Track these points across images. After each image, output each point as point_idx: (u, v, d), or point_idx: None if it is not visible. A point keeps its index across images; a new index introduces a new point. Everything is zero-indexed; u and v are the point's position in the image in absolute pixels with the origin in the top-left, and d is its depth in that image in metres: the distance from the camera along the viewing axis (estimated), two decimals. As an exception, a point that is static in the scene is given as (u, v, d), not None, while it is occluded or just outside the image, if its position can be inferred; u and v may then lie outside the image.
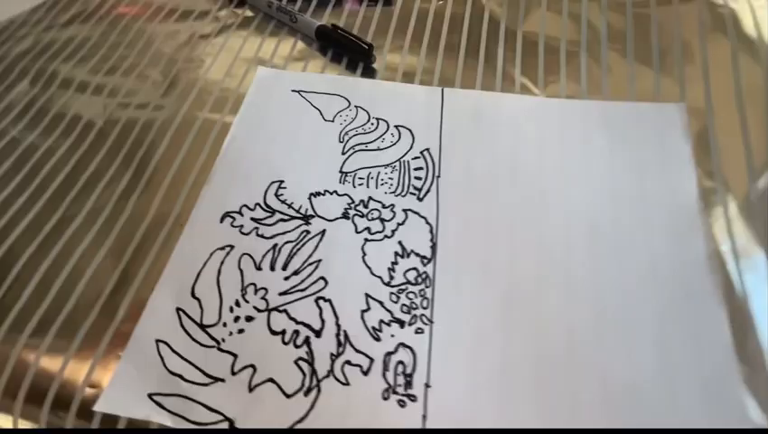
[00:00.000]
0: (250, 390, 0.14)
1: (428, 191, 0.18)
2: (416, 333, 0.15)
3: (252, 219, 0.18)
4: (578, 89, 0.20)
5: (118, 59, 0.24)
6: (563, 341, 0.14)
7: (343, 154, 0.19)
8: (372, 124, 0.20)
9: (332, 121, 0.20)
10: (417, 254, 0.16)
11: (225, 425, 0.13)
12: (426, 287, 0.15)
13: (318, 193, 0.18)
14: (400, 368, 0.14)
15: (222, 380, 0.14)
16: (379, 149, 0.19)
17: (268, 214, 0.18)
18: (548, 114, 0.19)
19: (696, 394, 0.13)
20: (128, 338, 0.15)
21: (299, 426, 0.13)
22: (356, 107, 0.20)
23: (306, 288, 0.16)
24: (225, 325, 0.15)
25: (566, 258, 0.15)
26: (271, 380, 0.14)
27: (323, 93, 0.21)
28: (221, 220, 0.18)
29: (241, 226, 0.17)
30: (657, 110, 0.19)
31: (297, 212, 0.18)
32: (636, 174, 0.17)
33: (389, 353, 0.14)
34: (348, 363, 0.14)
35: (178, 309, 0.16)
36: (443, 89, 0.21)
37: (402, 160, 0.19)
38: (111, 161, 0.20)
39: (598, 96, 0.20)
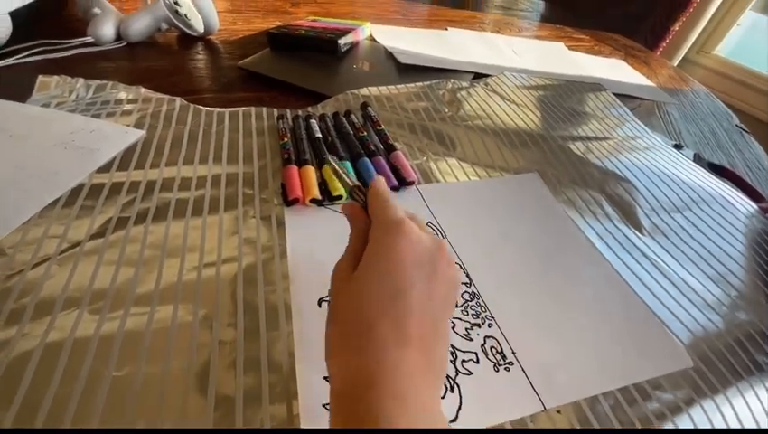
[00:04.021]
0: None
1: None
2: (489, 327, 0.23)
3: (341, 297, 0.23)
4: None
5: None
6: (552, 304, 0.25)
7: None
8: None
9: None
10: (463, 283, 0.25)
11: None
12: (478, 298, 0.24)
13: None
14: (494, 350, 0.22)
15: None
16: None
17: (351, 290, 0.23)
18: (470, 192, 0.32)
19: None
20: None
21: (462, 409, 0.19)
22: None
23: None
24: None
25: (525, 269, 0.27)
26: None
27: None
28: (319, 305, 0.22)
29: (336, 304, 0.23)
30: (523, 179, 0.34)
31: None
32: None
33: (482, 345, 0.22)
34: (463, 361, 0.21)
35: (326, 377, 0.19)
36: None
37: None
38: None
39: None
